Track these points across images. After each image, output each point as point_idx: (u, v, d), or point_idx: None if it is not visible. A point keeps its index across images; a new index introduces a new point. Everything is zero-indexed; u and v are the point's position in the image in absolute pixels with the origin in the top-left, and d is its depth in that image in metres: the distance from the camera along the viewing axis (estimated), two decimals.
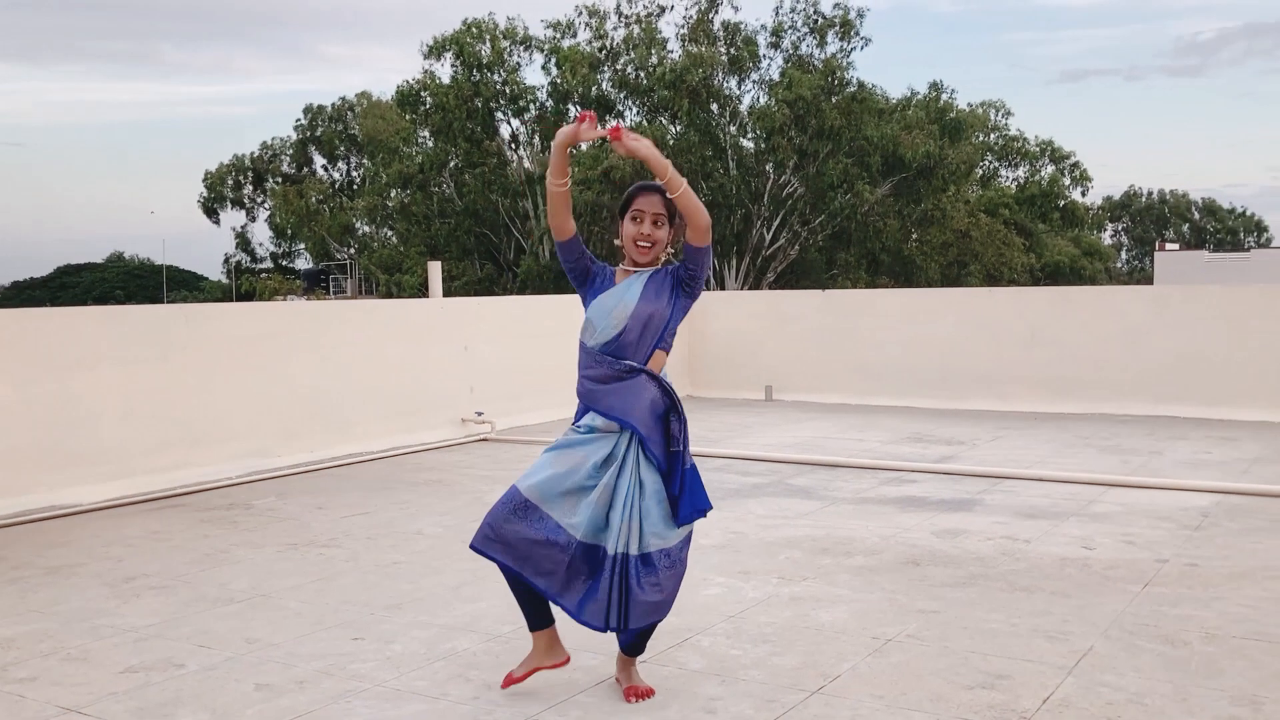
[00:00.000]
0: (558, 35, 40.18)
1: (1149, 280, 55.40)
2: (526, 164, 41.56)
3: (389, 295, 39.96)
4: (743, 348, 12.72)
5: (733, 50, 37.68)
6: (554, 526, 3.66)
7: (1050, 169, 51.90)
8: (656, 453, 3.70)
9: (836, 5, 37.16)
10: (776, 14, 37.97)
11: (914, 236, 40.51)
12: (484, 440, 9.92)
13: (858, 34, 37.12)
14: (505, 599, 4.99)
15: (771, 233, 36.98)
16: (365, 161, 48.72)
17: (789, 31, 37.98)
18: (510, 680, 3.90)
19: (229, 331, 8.52)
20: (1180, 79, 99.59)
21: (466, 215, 40.73)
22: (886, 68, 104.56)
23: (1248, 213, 79.17)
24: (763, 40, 37.88)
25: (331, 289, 49.70)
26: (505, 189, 40.29)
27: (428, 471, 8.38)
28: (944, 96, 42.34)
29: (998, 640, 4.38)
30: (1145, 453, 8.63)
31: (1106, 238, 69.30)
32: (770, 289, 35.64)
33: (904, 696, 3.83)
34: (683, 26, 38.28)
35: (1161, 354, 10.75)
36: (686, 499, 3.72)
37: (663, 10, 38.98)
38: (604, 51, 39.50)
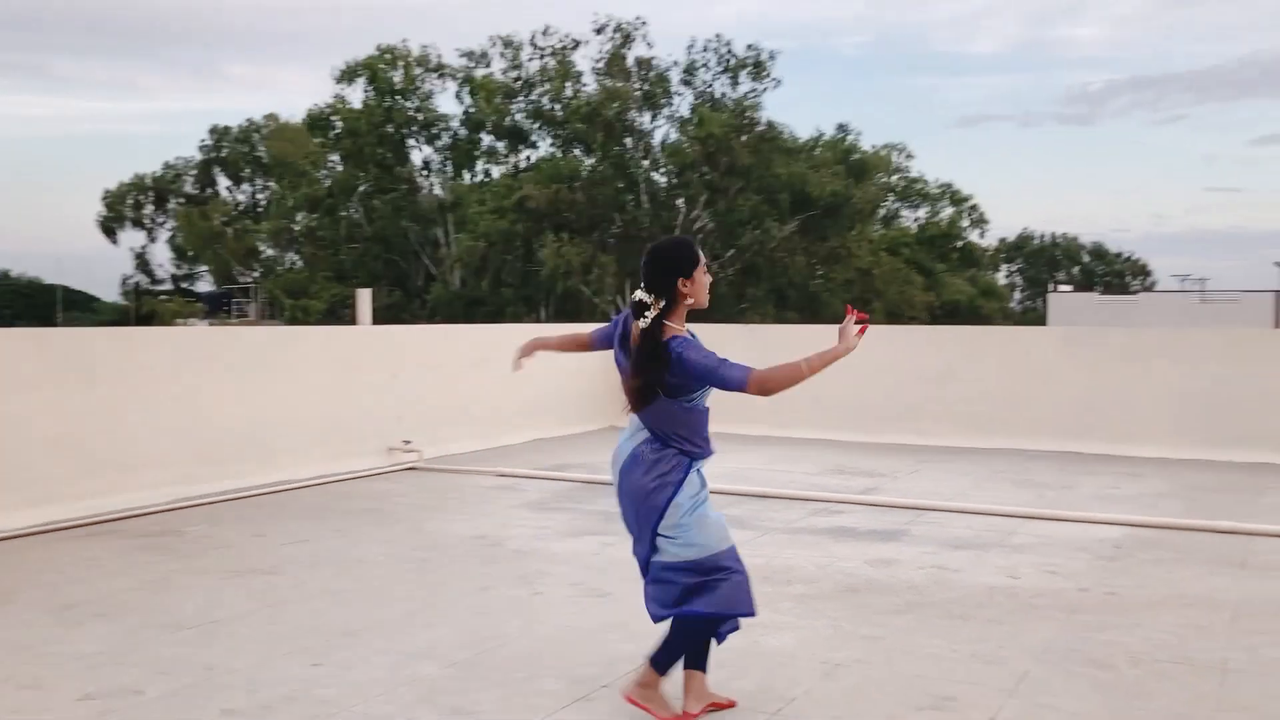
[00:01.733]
0: (472, 64, 40.29)
1: (1041, 320, 57.31)
2: (438, 190, 41.46)
3: (295, 320, 39.35)
4: None
5: (646, 86, 38.21)
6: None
7: (950, 210, 53.62)
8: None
9: (749, 46, 37.99)
10: (689, 52, 38.64)
11: (819, 273, 41.44)
12: (412, 469, 9.90)
13: (769, 75, 37.99)
14: (460, 625, 5.06)
15: None
16: (272, 184, 48.01)
17: (701, 69, 38.68)
18: (688, 717, 3.97)
19: (157, 356, 8.40)
20: (1071, 126, 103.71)
21: (375, 241, 40.43)
22: (794, 108, 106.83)
23: (1133, 256, 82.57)
24: (675, 77, 38.51)
25: (234, 313, 48.72)
26: (416, 215, 40.12)
27: (360, 500, 8.35)
28: (850, 138, 43.59)
29: (940, 664, 4.59)
30: (1057, 487, 9.02)
31: (1001, 278, 71.59)
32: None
33: (859, 718, 4.00)
34: (598, 61, 38.69)
35: (1069, 392, 11.24)
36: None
37: (577, 44, 39.40)
38: (519, 82, 39.71)
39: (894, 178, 52.71)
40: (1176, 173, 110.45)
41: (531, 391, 12.18)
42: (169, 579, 5.91)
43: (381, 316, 39.33)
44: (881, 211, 50.37)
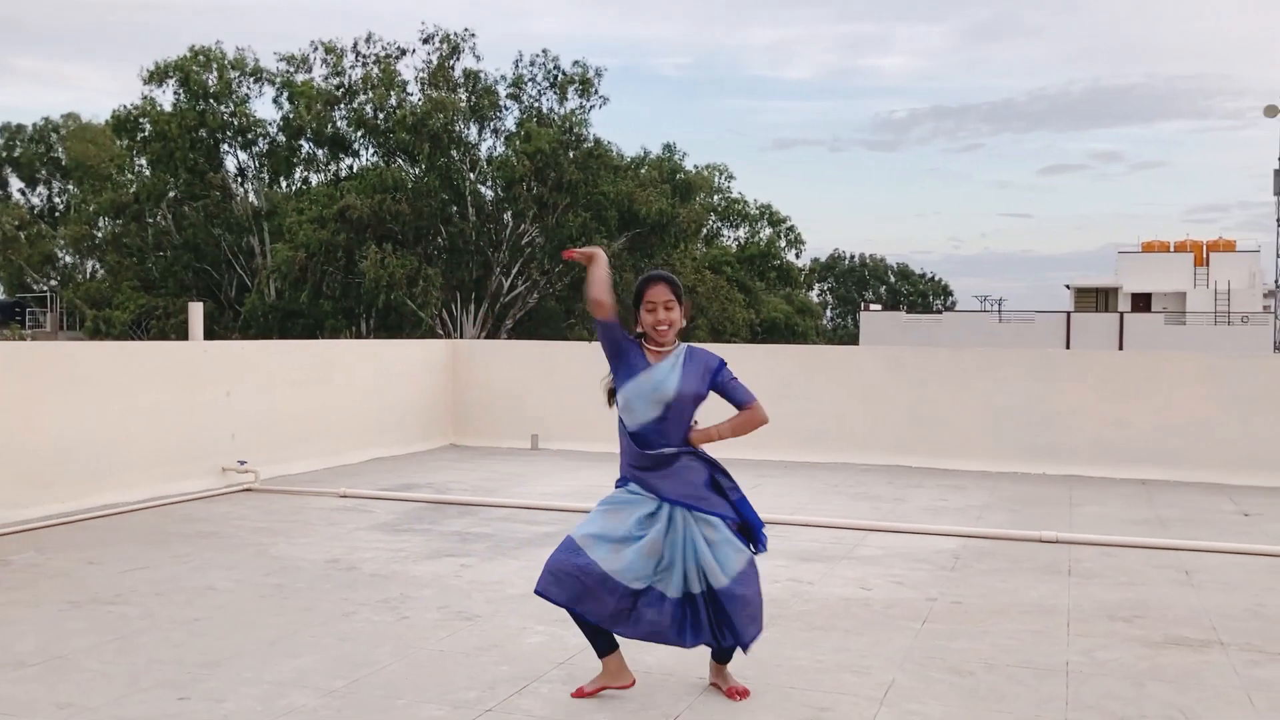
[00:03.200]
0: (291, 69, 39.09)
1: (854, 337, 59.66)
2: (253, 199, 40.01)
3: (97, 332, 37.21)
4: (507, 397, 12.86)
5: (473, 98, 37.94)
6: (600, 572, 4.18)
7: (769, 231, 55.25)
8: (719, 511, 4.27)
9: (575, 63, 38.22)
10: (517, 66, 38.58)
11: None
12: (248, 490, 9.55)
13: (596, 92, 38.30)
14: (329, 654, 4.94)
15: (510, 280, 37.29)
16: (71, 188, 45.30)
17: (529, 84, 38.67)
18: (580, 693, 4.38)
19: None
20: (877, 152, 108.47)
21: (186, 249, 38.66)
22: (617, 126, 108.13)
23: (935, 277, 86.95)
24: (502, 90, 38.38)
25: (27, 323, 45.64)
26: (229, 224, 38.58)
27: (198, 523, 8.00)
28: (675, 157, 44.40)
29: (810, 676, 4.76)
30: (890, 499, 9.45)
31: (814, 296, 74.17)
32: (509, 337, 35.90)
33: None
34: (423, 71, 38.18)
35: (896, 409, 11.78)
36: (757, 523, 4.38)
37: (403, 52, 38.76)
38: (340, 89, 38.77)
39: (715, 198, 53.95)
40: (973, 198, 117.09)
41: (371, 409, 11.93)
42: (0, 611, 5.53)
43: (186, 329, 37.66)
44: (704, 230, 51.46)
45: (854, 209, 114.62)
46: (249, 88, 39.33)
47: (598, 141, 37.92)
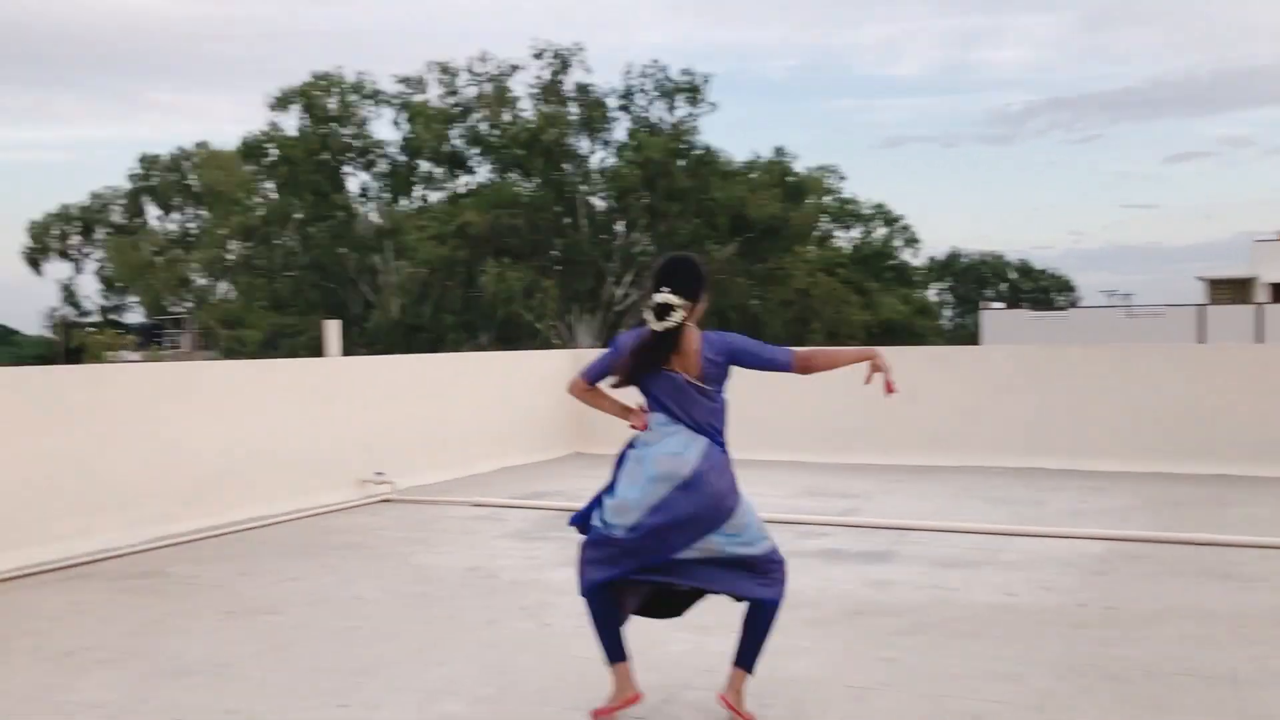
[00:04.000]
0: (409, 90, 40.08)
1: (974, 337, 58.32)
2: (375, 218, 41.11)
3: (231, 351, 38.68)
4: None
5: (584, 111, 38.35)
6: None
7: (883, 230, 54.47)
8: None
9: (683, 71, 38.32)
10: (626, 77, 38.85)
11: (758, 294, 41.81)
12: (386, 501, 9.78)
13: (704, 99, 38.34)
14: (476, 661, 5.02)
15: (623, 289, 37.53)
16: (204, 213, 47.22)
17: (638, 95, 38.92)
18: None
19: (127, 393, 8.22)
20: (993, 146, 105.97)
21: (312, 269, 39.92)
22: (726, 131, 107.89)
23: (1057, 272, 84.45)
24: (613, 102, 38.70)
25: (165, 344, 47.70)
26: (353, 243, 39.71)
27: (341, 534, 8.23)
28: (785, 160, 44.15)
29: (962, 683, 4.65)
30: (1029, 502, 9.19)
31: (932, 296, 72.75)
32: None
33: None
34: (535, 86, 38.75)
35: (1027, 409, 11.47)
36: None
37: (515, 69, 39.41)
38: (456, 108, 39.59)
39: (827, 199, 53.43)
40: (1093, 190, 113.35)
41: (498, 420, 12.13)
42: (164, 621, 5.77)
43: (316, 346, 38.89)
44: (815, 233, 51.03)
45: (970, 205, 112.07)
46: (369, 110, 40.47)
47: (708, 148, 37.98)
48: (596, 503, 4.24)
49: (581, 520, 4.26)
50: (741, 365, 4.15)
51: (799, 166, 45.83)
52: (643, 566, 4.08)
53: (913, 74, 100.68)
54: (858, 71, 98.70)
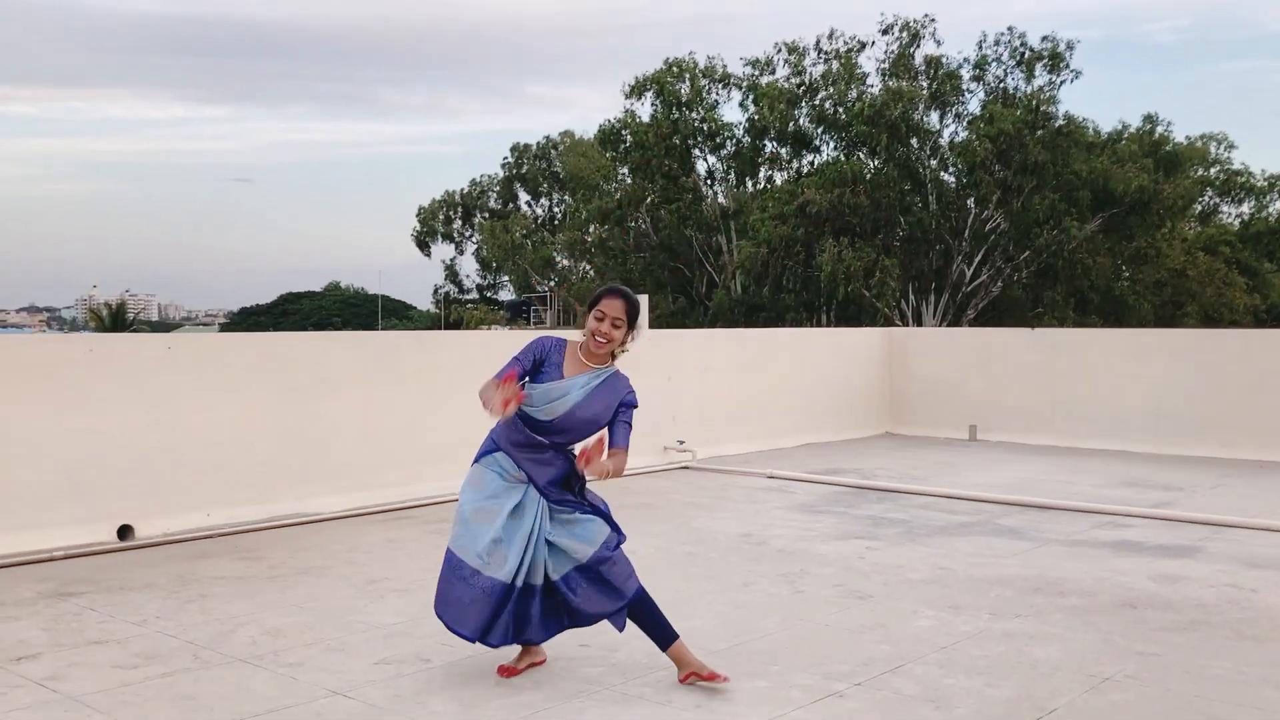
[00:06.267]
0: (756, 73, 40.57)
1: None
2: (721, 199, 42.06)
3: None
4: (945, 386, 12.59)
5: (934, 85, 37.20)
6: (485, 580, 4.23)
7: (1279, 204, 48.91)
8: (571, 502, 4.33)
9: (1044, 38, 36.22)
10: (980, 47, 37.30)
11: (1125, 275, 38.88)
12: (685, 468, 10.18)
13: (1067, 66, 36.05)
14: (720, 617, 5.22)
15: (972, 269, 36.18)
16: (567, 198, 50.31)
17: (993, 65, 37.24)
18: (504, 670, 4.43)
19: (454, 357, 9.09)
20: None
21: (661, 250, 41.46)
22: (1095, 101, 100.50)
23: None
24: (965, 74, 37.27)
25: (531, 319, 51.45)
26: (700, 224, 40.86)
27: (635, 495, 8.69)
28: (1159, 129, 40.65)
29: (1223, 687, 4.30)
30: None
31: None
32: (970, 326, 34.79)
33: None
34: (884, 61, 38.05)
35: None
36: (609, 514, 4.45)
37: (863, 45, 38.85)
38: (802, 87, 39.64)
39: (1212, 170, 48.64)
40: None
41: (809, 396, 12.23)
42: None
43: (666, 323, 40.44)
44: (1197, 207, 46.63)
45: None
46: (718, 94, 41.40)
47: (1069, 118, 35.70)
48: None
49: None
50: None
51: (1177, 134, 42.12)
52: None
53: None
54: (1260, 30, 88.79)
